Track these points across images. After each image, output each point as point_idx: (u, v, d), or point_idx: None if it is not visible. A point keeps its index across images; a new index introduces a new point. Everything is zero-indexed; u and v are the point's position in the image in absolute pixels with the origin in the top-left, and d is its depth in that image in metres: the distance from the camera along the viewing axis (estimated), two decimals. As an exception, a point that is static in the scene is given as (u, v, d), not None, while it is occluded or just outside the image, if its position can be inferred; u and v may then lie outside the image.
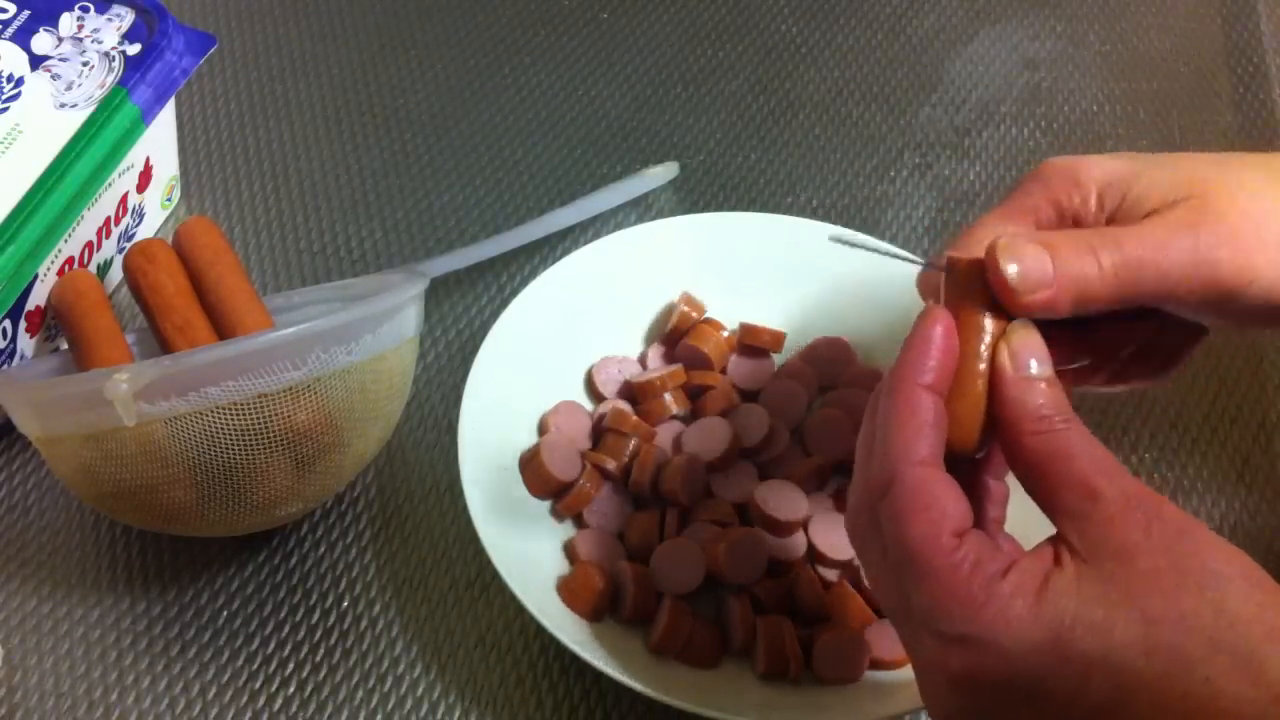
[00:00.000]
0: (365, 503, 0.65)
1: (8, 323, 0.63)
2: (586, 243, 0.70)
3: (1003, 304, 0.44)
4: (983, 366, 0.44)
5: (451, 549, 0.64)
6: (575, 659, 0.56)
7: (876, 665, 0.58)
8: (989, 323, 0.44)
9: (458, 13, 0.87)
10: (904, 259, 0.50)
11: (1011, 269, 0.44)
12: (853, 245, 0.50)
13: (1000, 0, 0.89)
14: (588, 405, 0.67)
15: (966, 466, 0.45)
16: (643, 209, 0.77)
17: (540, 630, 0.57)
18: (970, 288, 0.45)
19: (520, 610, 0.57)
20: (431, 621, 0.61)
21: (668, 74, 0.85)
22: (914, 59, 0.86)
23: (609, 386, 0.67)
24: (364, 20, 0.87)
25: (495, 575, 0.57)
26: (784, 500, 0.61)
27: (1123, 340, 0.49)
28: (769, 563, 0.60)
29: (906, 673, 0.57)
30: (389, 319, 0.58)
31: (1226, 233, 0.45)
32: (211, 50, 0.69)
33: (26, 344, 0.65)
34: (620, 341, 0.69)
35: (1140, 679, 0.39)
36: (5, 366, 0.64)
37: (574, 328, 0.67)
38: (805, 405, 0.66)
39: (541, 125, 0.82)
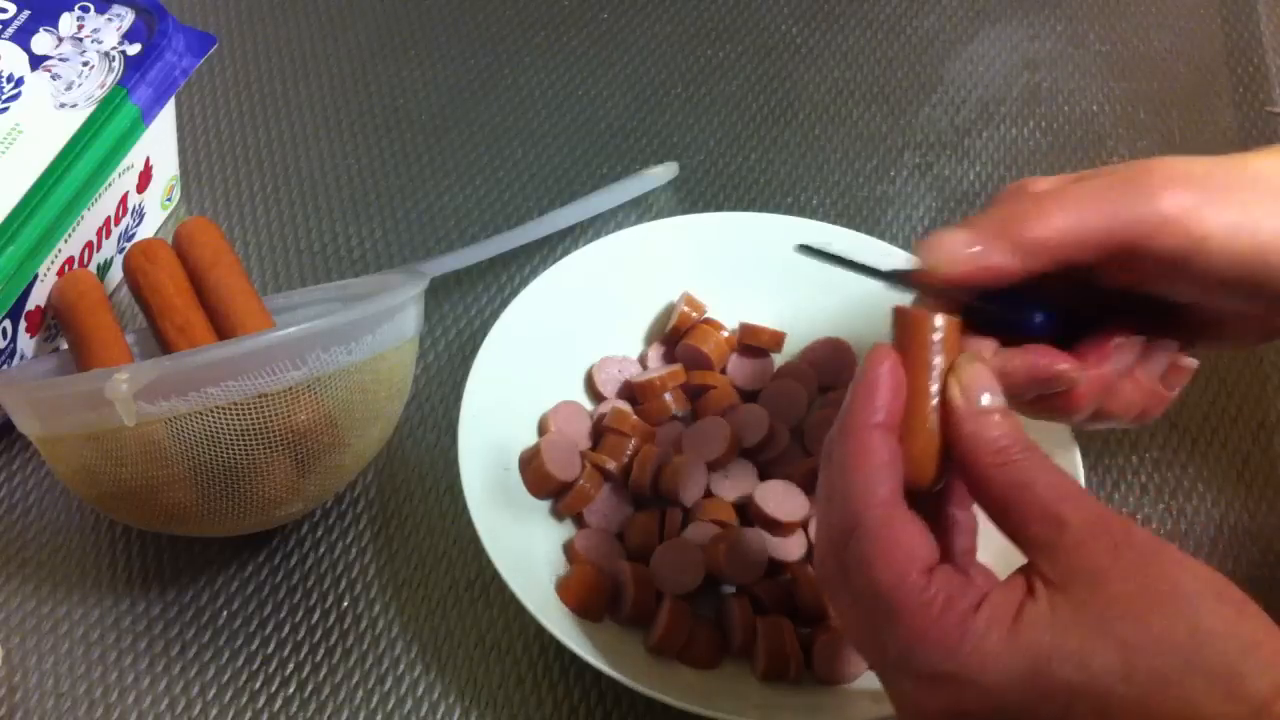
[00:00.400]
0: (365, 503, 0.65)
1: (8, 323, 0.63)
2: (587, 243, 0.70)
3: (948, 288, 0.45)
4: (933, 403, 0.44)
5: (451, 549, 0.64)
6: (575, 659, 0.56)
7: None
8: (937, 359, 0.44)
9: (458, 13, 0.87)
10: (872, 273, 0.49)
11: (936, 252, 0.44)
12: (823, 257, 0.50)
13: (1000, 0, 0.89)
14: (588, 405, 0.67)
15: (930, 500, 0.45)
16: (643, 209, 0.77)
17: (540, 630, 0.57)
18: (917, 326, 0.45)
19: (520, 610, 0.57)
20: (431, 621, 0.61)
21: (668, 74, 0.85)
22: (914, 59, 0.86)
23: (609, 386, 0.67)
24: (364, 20, 0.87)
25: (495, 575, 0.57)
26: (784, 500, 0.61)
27: (1114, 334, 0.49)
28: (769, 563, 0.60)
29: None
30: (389, 319, 0.58)
31: (1170, 179, 0.45)
32: (211, 50, 0.69)
33: (26, 344, 0.65)
34: (620, 341, 0.69)
35: (1121, 705, 0.39)
36: (5, 366, 0.64)
37: (574, 328, 0.67)
38: (805, 405, 0.66)
39: (541, 125, 0.82)
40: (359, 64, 0.84)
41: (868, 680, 0.58)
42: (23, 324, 0.64)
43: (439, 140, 0.80)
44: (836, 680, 0.58)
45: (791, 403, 0.66)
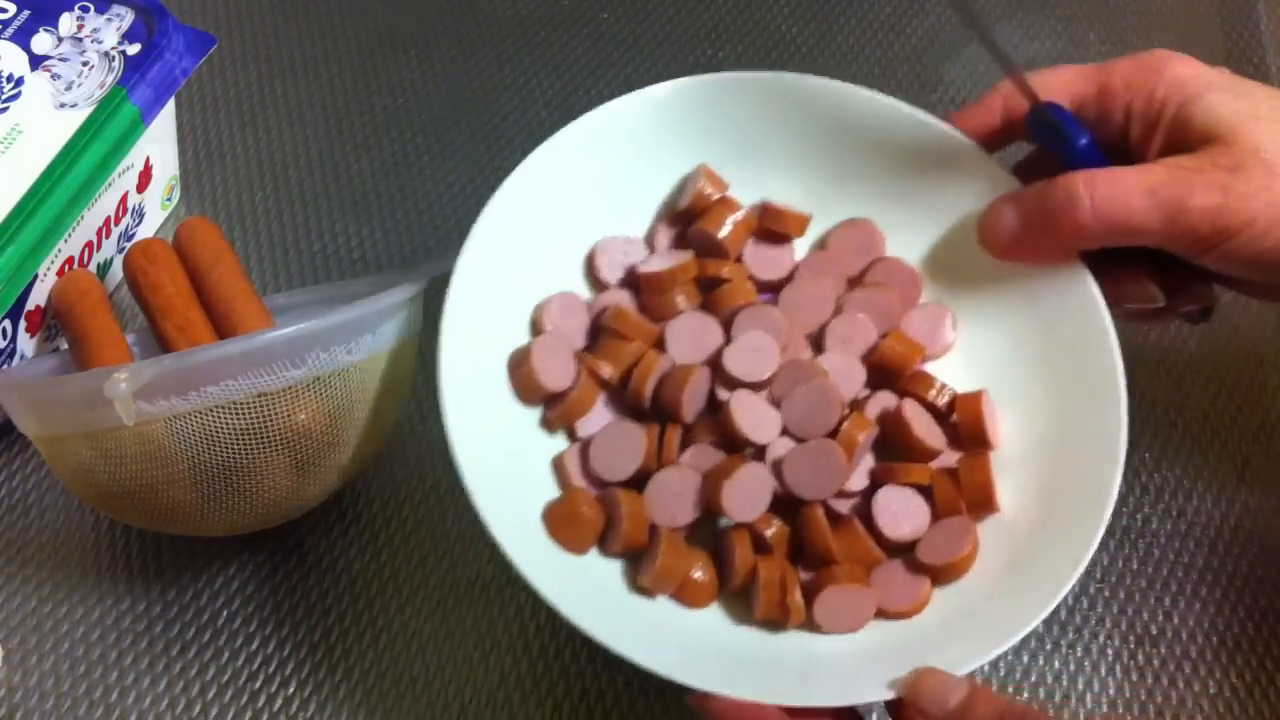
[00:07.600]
0: (365, 503, 0.65)
1: (8, 323, 0.63)
2: None
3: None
4: None
5: (452, 549, 0.64)
6: (576, 658, 0.56)
7: (883, 615, 0.55)
8: None
9: (458, 13, 0.87)
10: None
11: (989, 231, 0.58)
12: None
13: (1000, 0, 0.89)
14: (586, 294, 0.61)
15: None
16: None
17: (540, 630, 0.57)
18: None
19: (520, 610, 0.57)
20: (431, 621, 0.61)
21: (668, 74, 0.84)
22: (914, 59, 0.86)
23: (612, 271, 0.61)
24: (364, 20, 0.87)
25: (495, 575, 0.57)
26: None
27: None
28: (773, 499, 0.56)
29: (908, 631, 0.55)
30: (389, 319, 0.58)
31: (1229, 181, 0.51)
32: (211, 50, 0.69)
33: (26, 344, 0.65)
34: (625, 221, 0.62)
35: None
36: (5, 366, 0.64)
37: (574, 206, 0.61)
38: (831, 308, 0.60)
39: (541, 125, 0.81)
40: (359, 64, 0.84)
41: (868, 638, 0.55)
42: (23, 324, 0.64)
43: (439, 140, 0.80)
44: (838, 630, 0.55)
45: (816, 306, 0.59)
